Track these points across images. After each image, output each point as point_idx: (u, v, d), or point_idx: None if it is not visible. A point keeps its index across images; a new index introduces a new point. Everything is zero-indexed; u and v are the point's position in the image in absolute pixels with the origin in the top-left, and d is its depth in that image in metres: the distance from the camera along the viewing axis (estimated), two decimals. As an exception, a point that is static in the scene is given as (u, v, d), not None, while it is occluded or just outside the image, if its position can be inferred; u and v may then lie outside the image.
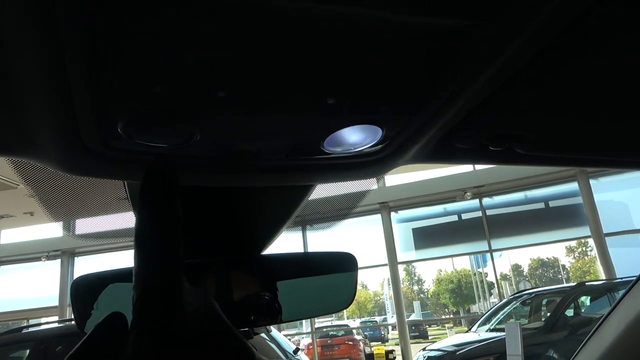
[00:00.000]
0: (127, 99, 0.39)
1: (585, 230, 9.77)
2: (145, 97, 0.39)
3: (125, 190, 0.62)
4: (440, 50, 0.39)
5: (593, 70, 0.46)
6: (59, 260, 12.29)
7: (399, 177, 11.09)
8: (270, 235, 0.71)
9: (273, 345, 4.11)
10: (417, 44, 0.37)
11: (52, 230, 12.05)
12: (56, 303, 11.91)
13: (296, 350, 4.37)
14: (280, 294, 0.69)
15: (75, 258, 12.60)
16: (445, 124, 0.51)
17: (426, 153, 0.59)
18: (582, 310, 7.03)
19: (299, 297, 0.70)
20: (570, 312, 6.87)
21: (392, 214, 10.98)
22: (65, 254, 12.26)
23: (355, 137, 0.50)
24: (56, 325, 6.13)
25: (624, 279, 7.19)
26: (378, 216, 10.87)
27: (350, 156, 0.53)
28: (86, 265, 12.56)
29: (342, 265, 0.70)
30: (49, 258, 12.25)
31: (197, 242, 0.69)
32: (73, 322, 4.98)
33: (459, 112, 0.49)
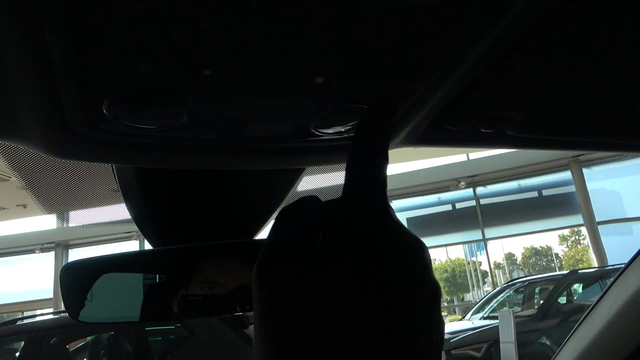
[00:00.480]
0: (110, 77, 0.38)
1: (578, 219, 9.85)
2: (129, 75, 0.38)
3: (114, 174, 0.61)
4: (428, 28, 0.38)
5: (584, 51, 0.46)
6: (52, 253, 12.25)
7: (393, 167, 11.10)
8: (262, 219, 0.70)
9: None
10: (404, 22, 0.37)
11: (46, 222, 12.00)
12: (50, 295, 11.89)
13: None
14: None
15: (70, 250, 12.56)
16: (435, 105, 0.50)
17: (418, 136, 0.58)
18: (575, 298, 7.11)
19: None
20: (562, 300, 6.95)
21: (387, 203, 10.98)
22: (60, 246, 12.22)
23: (345, 119, 0.49)
24: (50, 317, 6.12)
25: (615, 266, 7.27)
26: (372, 206, 10.87)
27: (341, 139, 0.53)
28: (80, 257, 12.49)
29: None
30: (42, 250, 12.21)
31: (187, 226, 0.68)
32: (67, 314, 4.97)
33: (449, 93, 0.48)
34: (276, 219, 0.33)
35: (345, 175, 0.33)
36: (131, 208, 0.68)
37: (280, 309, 0.29)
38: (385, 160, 0.33)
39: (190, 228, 0.68)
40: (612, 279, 1.04)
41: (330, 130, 0.51)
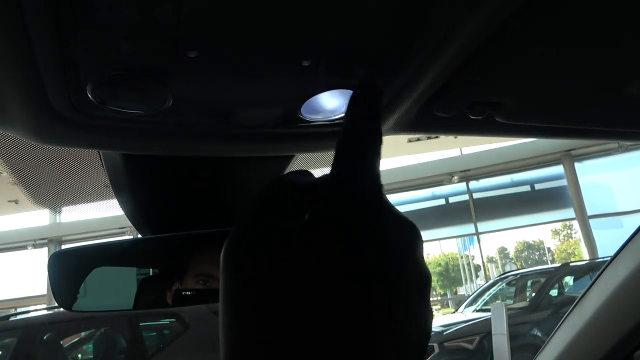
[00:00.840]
0: (92, 58, 0.38)
1: (570, 213, 9.92)
2: (111, 56, 0.38)
3: (101, 161, 0.61)
4: (414, 11, 0.38)
5: (571, 38, 0.46)
6: (45, 249, 12.18)
7: (386, 162, 11.12)
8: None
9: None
10: (390, 4, 0.37)
11: (39, 218, 11.92)
12: (44, 291, 11.83)
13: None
14: None
15: (63, 246, 12.49)
16: (424, 91, 0.50)
17: (407, 122, 0.58)
18: (566, 290, 7.17)
19: None
20: (554, 292, 7.01)
21: (380, 198, 11.02)
22: (52, 242, 12.15)
23: (333, 104, 0.49)
24: (44, 312, 6.09)
25: (605, 259, 7.33)
26: (366, 201, 10.91)
27: (330, 124, 0.53)
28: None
29: None
30: (35, 246, 12.13)
31: (176, 215, 0.68)
32: (61, 310, 4.95)
33: (438, 79, 0.48)
34: (258, 195, 0.30)
35: (334, 157, 0.30)
36: (120, 197, 0.67)
37: (241, 297, 0.26)
38: (379, 143, 0.31)
39: (180, 217, 0.68)
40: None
41: (319, 117, 0.51)
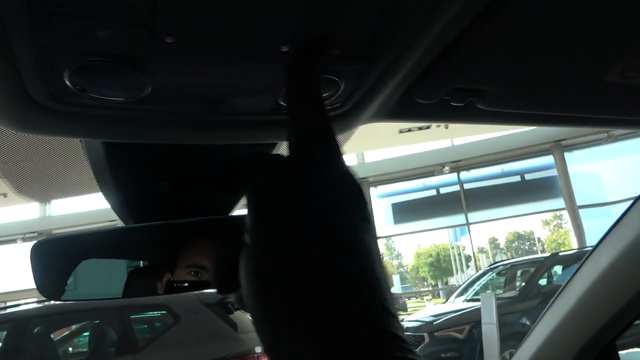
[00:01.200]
0: (68, 44, 0.37)
1: (559, 203, 10.02)
2: (87, 42, 0.37)
3: (83, 150, 0.60)
4: None
5: (551, 24, 0.46)
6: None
7: (378, 153, 11.15)
8: (237, 196, 0.70)
9: (254, 320, 4.15)
10: None
11: (28, 211, 11.82)
12: (34, 285, 11.75)
13: (277, 324, 4.42)
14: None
15: (53, 239, 12.39)
16: (404, 77, 0.50)
17: (388, 110, 0.58)
18: (554, 279, 7.27)
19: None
20: (543, 281, 7.10)
21: (372, 189, 11.07)
22: (42, 235, 12.06)
23: None
24: (34, 306, 6.06)
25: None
26: (358, 192, 10.95)
27: None
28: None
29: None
30: (25, 240, 12.03)
31: (165, 202, 0.68)
32: (51, 303, 4.93)
33: (418, 65, 0.48)
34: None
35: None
36: (103, 187, 0.67)
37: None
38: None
39: (164, 205, 0.68)
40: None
41: None
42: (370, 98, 0.53)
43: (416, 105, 0.57)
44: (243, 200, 0.72)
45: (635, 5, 0.44)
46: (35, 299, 9.79)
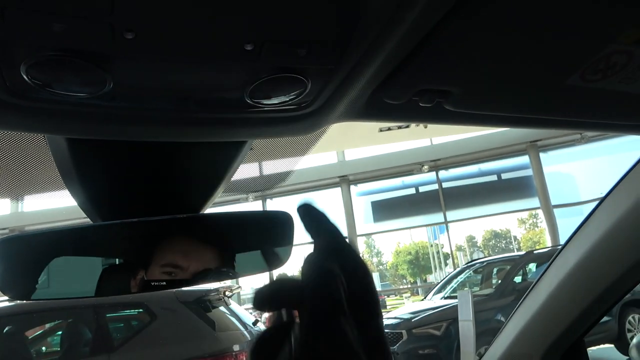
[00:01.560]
0: (24, 38, 0.36)
1: (535, 202, 10.22)
2: (43, 36, 0.36)
3: (47, 146, 0.59)
4: None
5: (514, 27, 0.47)
6: (7, 239, 11.79)
7: (358, 151, 11.19)
8: (206, 194, 0.69)
9: (232, 318, 4.12)
10: None
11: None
12: (6, 283, 11.47)
13: (255, 322, 4.41)
14: (219, 252, 0.68)
15: (26, 236, 12.10)
16: (372, 77, 0.50)
17: (357, 110, 0.58)
18: (529, 277, 7.41)
19: (239, 256, 0.70)
20: (518, 279, 7.24)
21: (352, 187, 11.11)
22: (14, 232, 11.76)
23: (280, 89, 0.49)
24: (5, 304, 5.90)
25: (567, 247, 7.60)
26: (338, 190, 10.99)
27: (278, 110, 0.52)
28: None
29: (279, 224, 0.70)
30: (-4, 237, 11.73)
31: (133, 200, 0.66)
32: (24, 302, 4.82)
33: (385, 65, 0.49)
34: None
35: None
36: (68, 184, 0.65)
37: None
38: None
39: (130, 204, 0.67)
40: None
41: (267, 101, 0.51)
42: (338, 98, 0.53)
43: (385, 105, 0.57)
44: (213, 198, 0.72)
45: (594, 13, 0.45)
46: (7, 298, 9.54)
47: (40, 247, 0.68)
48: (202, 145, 0.60)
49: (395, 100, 0.56)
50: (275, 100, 0.50)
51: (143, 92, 0.46)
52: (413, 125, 9.03)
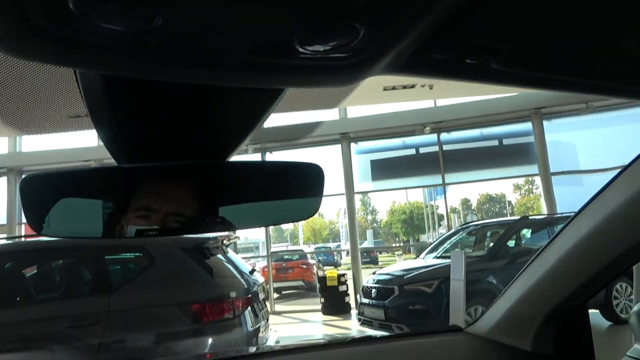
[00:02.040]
0: None
1: (533, 169, 10.27)
2: None
3: (77, 81, 0.57)
4: None
5: None
6: (4, 179, 11.80)
7: (361, 109, 11.09)
8: (236, 141, 0.68)
9: (230, 266, 4.21)
10: None
11: (-3, 145, 11.46)
12: (3, 221, 11.59)
13: (252, 271, 4.50)
14: (245, 201, 0.68)
15: (24, 176, 12.11)
16: (424, 29, 0.48)
17: (402, 63, 0.56)
18: (523, 242, 7.55)
19: (263, 205, 0.70)
20: (511, 243, 7.37)
21: (352, 145, 11.09)
22: (12, 171, 11.77)
23: (332, 36, 0.47)
24: (4, 242, 5.99)
25: (563, 214, 7.71)
26: (338, 147, 10.97)
27: (326, 58, 0.50)
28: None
29: (309, 176, 0.70)
30: (-6, 175, 11.75)
31: (161, 142, 0.65)
32: (22, 240, 4.88)
33: (438, 18, 0.46)
34: None
35: None
36: (96, 121, 0.64)
37: None
38: None
39: (159, 146, 0.66)
40: (559, 226, 1.10)
41: (316, 49, 0.49)
42: (387, 49, 0.51)
43: (431, 60, 0.55)
44: (242, 145, 0.71)
45: None
46: (5, 235, 9.66)
47: (57, 186, 0.67)
48: (239, 91, 0.59)
49: (442, 55, 0.54)
50: (324, 48, 0.48)
51: (191, 31, 0.44)
52: (418, 85, 8.90)
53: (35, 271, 5.04)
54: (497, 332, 1.29)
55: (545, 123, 10.12)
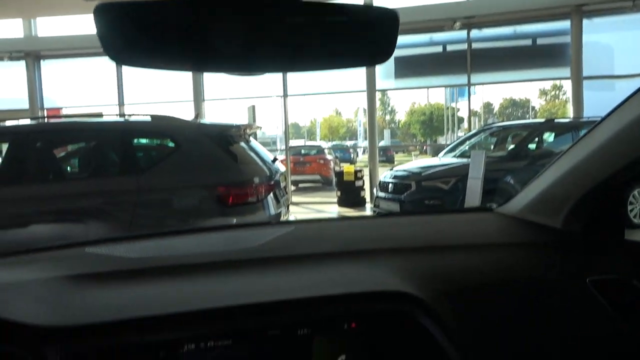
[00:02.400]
0: None
1: (565, 72, 9.80)
2: None
3: None
4: None
5: None
6: (23, 62, 11.72)
7: (388, 2, 10.42)
8: None
9: (252, 154, 4.28)
10: None
11: (13, 29, 11.23)
12: (25, 105, 11.74)
13: (274, 160, 4.59)
14: (314, 41, 0.65)
15: (42, 61, 12.01)
16: None
17: None
18: (545, 145, 7.46)
19: (334, 47, 0.67)
20: (533, 146, 7.30)
21: (377, 39, 10.60)
22: (30, 55, 11.65)
23: None
24: (35, 122, 6.09)
25: (590, 119, 7.50)
26: (361, 40, 10.51)
27: None
28: (54, 70, 12.07)
29: (382, 20, 0.66)
30: (11, 59, 11.64)
31: None
32: (48, 121, 4.93)
33: None
34: None
35: None
36: None
37: None
38: None
39: None
40: (584, 130, 1.06)
41: None
42: None
43: None
44: None
45: None
46: (29, 120, 9.82)
47: (134, 14, 0.63)
48: None
49: None
50: None
51: None
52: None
53: (65, 153, 5.20)
54: (527, 211, 1.30)
55: (584, 22, 9.44)
